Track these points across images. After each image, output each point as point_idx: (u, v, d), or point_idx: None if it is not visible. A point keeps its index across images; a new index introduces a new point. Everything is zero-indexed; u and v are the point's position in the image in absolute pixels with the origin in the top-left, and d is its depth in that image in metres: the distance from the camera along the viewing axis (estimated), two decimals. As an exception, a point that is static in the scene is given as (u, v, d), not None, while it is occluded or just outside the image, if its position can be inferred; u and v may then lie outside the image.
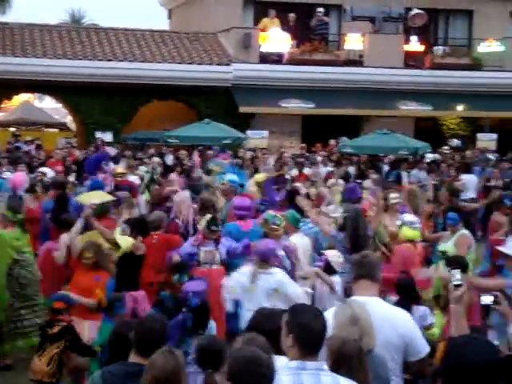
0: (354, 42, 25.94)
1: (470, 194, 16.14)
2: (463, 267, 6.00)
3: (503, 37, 26.46)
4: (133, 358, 4.37)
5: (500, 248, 7.13)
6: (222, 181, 12.24)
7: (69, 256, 8.50)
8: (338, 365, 4.07)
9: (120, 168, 14.42)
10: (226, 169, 15.15)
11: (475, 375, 2.88)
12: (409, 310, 5.86)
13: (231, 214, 10.22)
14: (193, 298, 6.30)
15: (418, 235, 8.79)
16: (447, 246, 9.23)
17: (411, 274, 7.69)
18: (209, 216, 8.56)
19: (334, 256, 7.81)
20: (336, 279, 7.68)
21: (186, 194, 11.15)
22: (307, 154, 20.72)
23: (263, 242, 7.58)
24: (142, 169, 15.55)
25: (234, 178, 12.30)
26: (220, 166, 15.49)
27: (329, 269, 7.71)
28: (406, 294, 7.03)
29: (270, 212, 8.66)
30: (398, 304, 6.09)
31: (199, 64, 24.87)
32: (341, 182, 13.38)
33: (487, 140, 24.29)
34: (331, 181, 13.58)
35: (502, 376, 2.96)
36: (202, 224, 8.54)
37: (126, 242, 8.13)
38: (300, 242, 8.72)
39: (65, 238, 8.63)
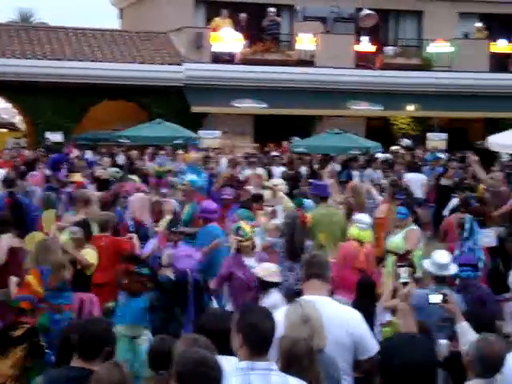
0: (305, 42, 26.04)
1: (418, 193, 16.24)
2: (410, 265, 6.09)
3: (452, 37, 26.81)
4: (75, 361, 4.27)
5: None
6: (183, 181, 12.16)
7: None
8: (289, 364, 4.06)
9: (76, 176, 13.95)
10: (187, 169, 15.04)
11: (410, 375, 2.85)
12: (370, 309, 5.88)
13: (196, 216, 10.18)
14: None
15: (365, 235, 8.70)
16: (396, 239, 9.29)
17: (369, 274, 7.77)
18: (169, 218, 8.52)
19: (265, 270, 6.96)
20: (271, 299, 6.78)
21: (143, 195, 11.09)
22: (260, 154, 20.73)
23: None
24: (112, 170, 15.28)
25: (195, 178, 12.25)
26: (168, 166, 15.38)
27: (264, 285, 6.87)
28: (367, 294, 7.05)
29: (240, 222, 8.27)
30: (357, 303, 6.11)
31: (150, 63, 24.69)
32: (280, 181, 13.28)
33: (437, 139, 24.55)
34: (273, 181, 13.44)
35: (436, 375, 2.93)
36: (162, 225, 8.48)
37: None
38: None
39: (5, 238, 8.48)
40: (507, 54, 27.74)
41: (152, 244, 8.92)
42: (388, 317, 6.87)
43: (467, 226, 9.37)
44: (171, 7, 26.06)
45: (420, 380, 2.87)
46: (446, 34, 26.71)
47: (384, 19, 28.10)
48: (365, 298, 6.89)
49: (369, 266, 8.47)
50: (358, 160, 18.88)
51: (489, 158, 20.99)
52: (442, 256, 6.89)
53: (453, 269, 6.95)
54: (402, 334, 3.06)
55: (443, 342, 5.50)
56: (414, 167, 17.73)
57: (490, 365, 4.40)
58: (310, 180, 15.26)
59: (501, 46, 27.64)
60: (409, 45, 28.26)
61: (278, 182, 13.24)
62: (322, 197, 10.19)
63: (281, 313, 4.70)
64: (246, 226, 7.87)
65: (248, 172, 16.18)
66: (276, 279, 6.90)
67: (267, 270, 6.96)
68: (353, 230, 8.75)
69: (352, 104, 25.33)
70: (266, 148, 22.19)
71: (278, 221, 9.74)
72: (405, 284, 4.71)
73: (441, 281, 6.74)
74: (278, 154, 20.04)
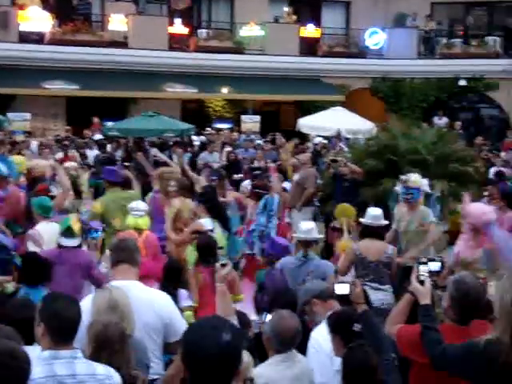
0: (117, 23, 25.58)
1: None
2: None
3: (263, 21, 27.34)
4: None
5: None
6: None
7: None
8: (100, 349, 3.98)
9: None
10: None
11: (211, 366, 2.83)
12: (173, 293, 5.89)
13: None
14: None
15: (142, 223, 8.38)
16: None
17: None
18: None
19: None
20: None
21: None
22: (73, 137, 20.18)
23: None
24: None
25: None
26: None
27: None
28: (171, 279, 7.04)
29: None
30: (162, 288, 6.08)
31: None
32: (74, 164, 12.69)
33: (251, 122, 25.02)
34: (68, 164, 12.68)
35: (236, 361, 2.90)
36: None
37: None
38: (46, 229, 7.95)
39: None
40: (315, 38, 28.72)
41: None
42: (187, 302, 6.96)
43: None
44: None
45: (220, 370, 2.85)
46: (258, 17, 27.20)
47: (197, 1, 28.13)
48: (170, 283, 6.88)
49: (148, 253, 8.25)
50: (178, 143, 18.80)
51: (300, 140, 21.70)
52: (307, 223, 7.77)
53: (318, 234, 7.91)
54: (203, 323, 2.99)
55: (255, 318, 5.61)
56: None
57: (286, 339, 4.53)
58: (124, 163, 15.07)
59: (309, 30, 28.56)
60: (222, 28, 28.47)
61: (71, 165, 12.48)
62: (111, 182, 9.88)
63: (88, 299, 4.61)
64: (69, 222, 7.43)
65: (60, 155, 15.71)
66: None
67: None
68: (129, 220, 8.49)
69: (167, 86, 25.22)
70: (86, 131, 21.54)
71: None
72: (223, 266, 4.73)
73: (307, 245, 7.55)
74: (89, 135, 19.61)
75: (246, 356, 4.07)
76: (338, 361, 4.33)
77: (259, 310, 6.61)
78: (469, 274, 4.62)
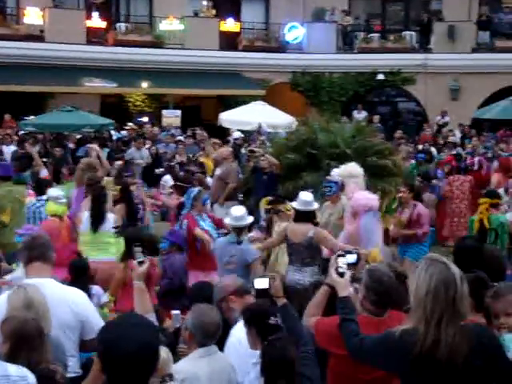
0: (33, 16, 25.00)
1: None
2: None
3: (182, 15, 27.17)
4: None
5: None
6: None
7: None
8: (18, 346, 3.89)
9: None
10: None
11: (129, 366, 2.79)
12: (84, 289, 5.78)
13: None
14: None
15: (62, 210, 8.61)
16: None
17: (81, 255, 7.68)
18: None
19: None
20: None
21: None
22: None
23: None
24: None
25: None
26: None
27: None
28: (80, 275, 6.94)
29: None
30: (73, 284, 5.97)
31: None
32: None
33: (172, 116, 24.87)
34: None
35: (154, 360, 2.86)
36: None
37: None
38: None
39: None
40: (235, 32, 28.73)
41: None
42: (105, 298, 6.89)
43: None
44: None
45: (137, 368, 2.81)
46: (177, 11, 27.01)
47: (115, -5, 27.76)
48: (78, 280, 6.79)
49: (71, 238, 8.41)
50: (97, 138, 18.48)
51: (221, 134, 21.69)
52: (238, 209, 7.97)
53: (249, 219, 8.02)
54: (122, 317, 2.94)
55: (175, 312, 5.57)
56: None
57: (209, 332, 4.50)
58: (43, 159, 14.77)
59: (229, 25, 28.55)
60: (141, 21, 28.14)
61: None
62: (2, 177, 9.92)
63: (3, 298, 4.50)
64: None
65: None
66: None
67: None
68: (50, 206, 8.57)
69: (85, 81, 24.75)
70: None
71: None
72: (140, 263, 4.66)
73: (239, 232, 7.77)
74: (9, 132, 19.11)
75: (165, 352, 4.04)
76: (256, 354, 4.34)
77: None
78: (382, 264, 4.70)
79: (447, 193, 14.33)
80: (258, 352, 4.31)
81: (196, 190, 9.62)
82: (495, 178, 14.66)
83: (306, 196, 8.31)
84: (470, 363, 3.50)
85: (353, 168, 9.59)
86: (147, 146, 18.21)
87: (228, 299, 5.26)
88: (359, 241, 8.24)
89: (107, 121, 19.60)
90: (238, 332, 4.77)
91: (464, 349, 3.49)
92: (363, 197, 8.52)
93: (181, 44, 27.05)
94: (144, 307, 4.46)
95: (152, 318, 4.22)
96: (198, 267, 8.71)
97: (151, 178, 15.52)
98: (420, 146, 19.64)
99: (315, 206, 8.32)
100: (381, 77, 27.63)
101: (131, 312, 4.15)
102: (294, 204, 8.34)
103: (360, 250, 4.55)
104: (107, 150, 17.64)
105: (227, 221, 8.05)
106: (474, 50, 27.87)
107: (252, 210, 10.70)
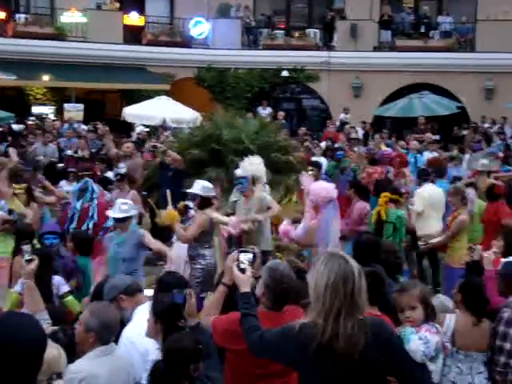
0: None
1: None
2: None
3: (85, 8, 26.66)
4: None
5: None
6: None
7: None
8: None
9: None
10: None
11: (3, 360, 2.73)
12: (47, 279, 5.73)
13: None
14: None
15: None
16: None
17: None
18: None
19: None
20: None
21: None
22: None
23: None
24: None
25: None
26: None
27: None
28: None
29: None
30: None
31: None
32: None
33: (75, 110, 24.38)
34: None
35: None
36: None
37: None
38: None
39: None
40: (139, 26, 28.43)
41: None
42: (66, 288, 6.75)
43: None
44: None
45: (22, 367, 2.75)
46: (79, 4, 26.47)
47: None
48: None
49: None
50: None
51: (125, 129, 21.44)
52: (123, 202, 8.08)
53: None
54: (4, 321, 2.87)
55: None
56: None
57: (110, 329, 4.42)
58: None
59: (133, 18, 28.22)
60: (42, 13, 27.44)
61: None
62: None
63: None
64: None
65: None
66: None
67: None
68: None
69: (-17, 73, 23.98)
70: None
71: None
72: (29, 261, 4.52)
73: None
74: None
75: (56, 350, 3.94)
76: (149, 352, 4.31)
77: None
78: (281, 261, 4.74)
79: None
80: (151, 349, 4.27)
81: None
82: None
83: (203, 182, 8.69)
84: (367, 355, 3.57)
85: (251, 161, 9.60)
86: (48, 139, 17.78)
87: (119, 298, 5.14)
88: (317, 234, 8.12)
89: (7, 114, 19.02)
90: (129, 333, 4.67)
91: (361, 341, 3.54)
92: (322, 188, 8.37)
93: (83, 37, 26.54)
94: (34, 306, 4.34)
95: (43, 316, 4.11)
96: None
97: (55, 175, 15.14)
98: (323, 143, 19.92)
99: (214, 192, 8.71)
100: (285, 74, 27.88)
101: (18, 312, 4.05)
102: (191, 190, 8.65)
103: (255, 249, 4.52)
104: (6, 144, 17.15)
105: (111, 213, 8.11)
106: (375, 49, 28.50)
107: (156, 206, 10.63)
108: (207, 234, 8.66)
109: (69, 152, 16.41)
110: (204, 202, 8.62)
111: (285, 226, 9.00)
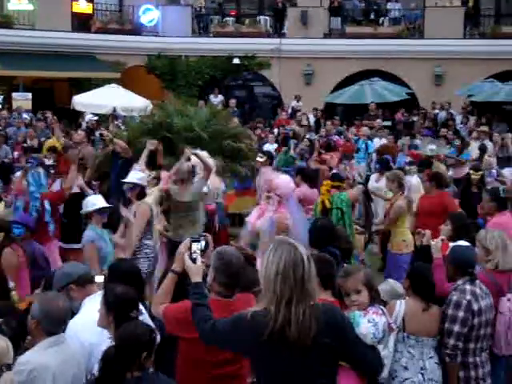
0: None
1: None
2: None
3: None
4: None
5: None
6: None
7: None
8: None
9: None
10: None
11: None
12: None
13: None
14: None
15: None
16: None
17: None
18: None
19: None
20: None
21: None
22: None
23: None
24: None
25: None
26: None
27: None
28: None
29: None
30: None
31: None
32: None
33: (23, 99, 24.01)
34: None
35: None
36: None
37: None
38: None
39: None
40: (88, 14, 28.06)
41: None
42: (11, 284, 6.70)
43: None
44: None
45: None
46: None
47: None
48: None
49: None
50: None
51: (75, 118, 21.21)
52: (96, 198, 8.00)
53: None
54: None
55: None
56: None
57: (57, 319, 4.37)
58: None
59: (82, 6, 27.84)
60: (-13, 0, 26.91)
61: None
62: None
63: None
64: None
65: None
66: None
67: None
68: None
69: None
70: None
71: None
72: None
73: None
74: None
75: (4, 342, 3.89)
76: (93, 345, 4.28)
77: None
78: (229, 246, 4.75)
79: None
80: (94, 342, 4.23)
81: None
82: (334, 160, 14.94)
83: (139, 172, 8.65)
84: (320, 341, 3.60)
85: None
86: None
87: (69, 288, 5.03)
88: (290, 227, 8.00)
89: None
90: (75, 325, 4.61)
91: (313, 327, 3.57)
92: (288, 181, 8.28)
93: (31, 25, 26.09)
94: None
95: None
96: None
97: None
98: (275, 130, 19.96)
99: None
100: (236, 61, 27.80)
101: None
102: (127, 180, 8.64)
103: (207, 236, 4.51)
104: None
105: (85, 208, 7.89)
106: (326, 36, 28.58)
107: (106, 195, 10.53)
108: (149, 224, 8.57)
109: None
110: (142, 192, 8.60)
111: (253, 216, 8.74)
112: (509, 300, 5.71)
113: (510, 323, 5.65)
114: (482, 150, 16.07)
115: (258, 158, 12.55)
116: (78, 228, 8.91)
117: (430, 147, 14.05)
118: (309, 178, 10.91)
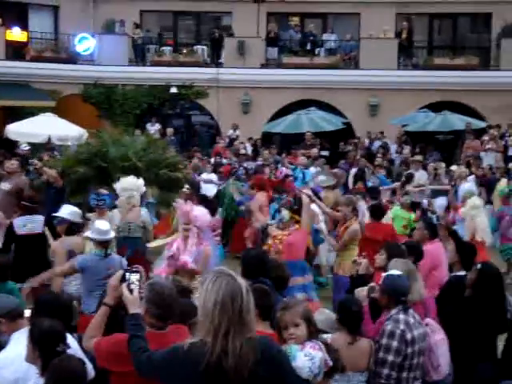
0: None
1: None
2: None
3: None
4: None
5: None
6: None
7: None
8: None
9: None
10: None
11: None
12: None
13: None
14: None
15: None
16: None
17: None
18: None
19: None
20: None
21: None
22: None
23: None
24: None
25: None
26: None
27: None
28: None
29: None
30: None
31: None
32: None
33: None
34: None
35: None
36: None
37: None
38: None
39: None
40: (23, 42, 27.72)
41: None
42: None
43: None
44: None
45: None
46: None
47: None
48: None
49: None
50: None
51: (9, 147, 20.80)
52: (102, 223, 7.86)
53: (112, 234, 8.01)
54: None
55: None
56: None
57: None
58: None
59: (15, 34, 27.49)
60: None
61: None
62: None
63: None
64: None
65: None
66: None
67: None
68: None
69: None
70: None
71: None
72: None
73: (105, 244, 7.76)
74: None
75: None
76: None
77: None
78: (162, 278, 4.68)
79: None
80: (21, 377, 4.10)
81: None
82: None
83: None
84: (256, 374, 3.55)
85: (130, 182, 9.57)
86: None
87: None
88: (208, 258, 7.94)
89: None
90: (2, 358, 4.46)
91: (250, 359, 3.53)
92: (203, 214, 8.19)
93: None
94: None
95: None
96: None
97: None
98: (212, 159, 19.94)
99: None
100: (174, 90, 27.76)
101: None
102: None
103: (140, 268, 4.42)
104: None
105: (91, 235, 7.82)
106: (263, 66, 28.79)
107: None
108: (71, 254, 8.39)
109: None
110: (71, 228, 8.45)
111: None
112: (427, 325, 5.74)
113: (430, 348, 5.67)
114: (408, 178, 16.43)
115: (185, 189, 12.41)
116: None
117: (320, 178, 14.63)
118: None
